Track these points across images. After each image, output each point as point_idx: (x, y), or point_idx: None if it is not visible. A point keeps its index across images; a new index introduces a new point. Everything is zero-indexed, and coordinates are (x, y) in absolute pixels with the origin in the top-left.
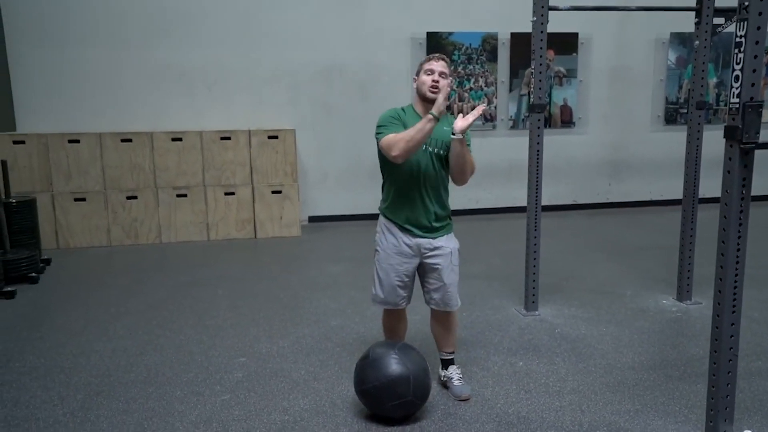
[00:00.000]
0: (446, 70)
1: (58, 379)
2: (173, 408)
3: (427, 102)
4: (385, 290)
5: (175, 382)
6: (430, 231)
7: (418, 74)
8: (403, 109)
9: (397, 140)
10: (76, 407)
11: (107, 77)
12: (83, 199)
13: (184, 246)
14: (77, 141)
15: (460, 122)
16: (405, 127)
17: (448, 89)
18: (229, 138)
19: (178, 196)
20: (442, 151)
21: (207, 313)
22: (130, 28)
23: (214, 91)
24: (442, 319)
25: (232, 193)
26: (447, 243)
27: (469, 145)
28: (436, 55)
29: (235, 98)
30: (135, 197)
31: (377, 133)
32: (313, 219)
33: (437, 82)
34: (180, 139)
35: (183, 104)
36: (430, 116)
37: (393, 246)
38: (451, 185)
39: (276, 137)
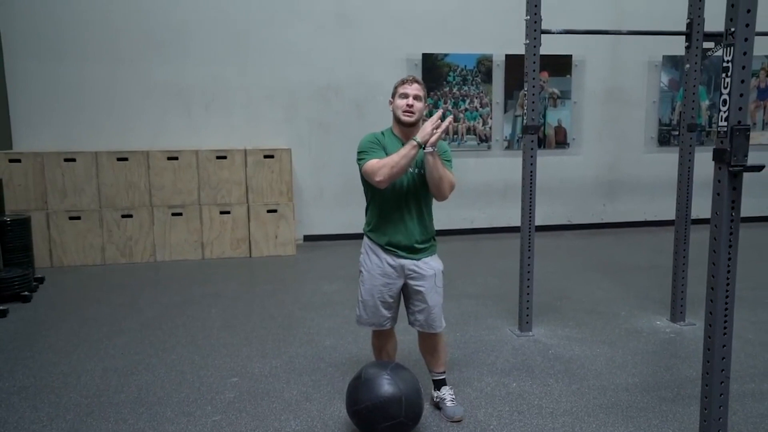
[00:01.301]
0: (420, 93)
1: (47, 399)
2: (164, 429)
3: (403, 125)
4: (369, 311)
5: (167, 402)
6: (414, 252)
7: (393, 97)
8: (382, 133)
9: (381, 166)
10: (65, 428)
11: (104, 95)
12: (78, 218)
13: (178, 264)
14: (73, 159)
15: (436, 132)
16: (385, 151)
17: (446, 125)
18: (225, 157)
19: (174, 214)
20: (422, 170)
21: (200, 332)
22: (127, 45)
23: (210, 109)
24: (428, 340)
25: (228, 212)
26: (431, 264)
27: (449, 161)
28: (410, 77)
29: (231, 117)
30: (130, 215)
31: (359, 159)
32: (308, 238)
33: (411, 106)
34: (176, 158)
35: (180, 122)
36: (413, 142)
37: (377, 267)
38: (436, 206)
39: (272, 156)
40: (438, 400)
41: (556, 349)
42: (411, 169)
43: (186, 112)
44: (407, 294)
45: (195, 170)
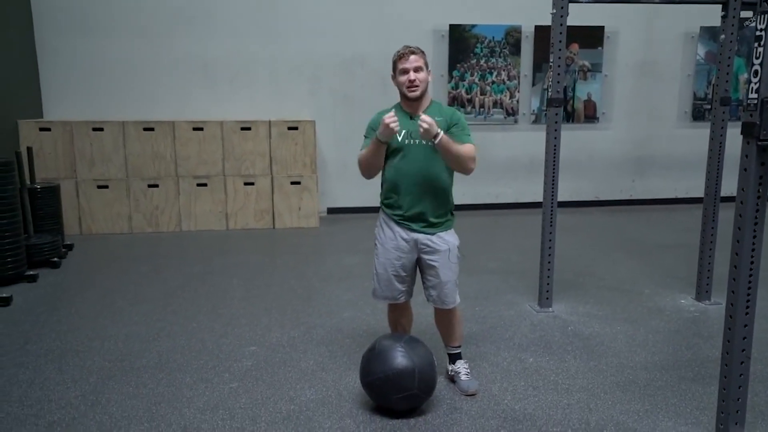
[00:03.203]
0: (420, 63)
1: (72, 362)
2: (182, 394)
3: (410, 100)
4: (383, 284)
5: (186, 368)
6: (428, 226)
7: (394, 72)
8: (393, 108)
9: (359, 162)
10: (88, 390)
11: (131, 66)
12: (106, 186)
13: (202, 235)
14: (101, 129)
15: (422, 130)
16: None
17: (424, 127)
18: (249, 128)
19: (198, 185)
20: (429, 141)
21: (221, 301)
22: (154, 18)
23: (235, 81)
24: (442, 314)
25: (252, 183)
26: (445, 239)
27: (464, 130)
28: (407, 50)
29: (256, 89)
30: (156, 185)
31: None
32: (331, 210)
33: (413, 81)
34: (201, 129)
35: (205, 94)
36: (376, 138)
37: (390, 240)
38: (460, 180)
39: (296, 128)
40: (453, 373)
41: (575, 325)
42: (423, 142)
43: (211, 84)
44: (421, 268)
45: (220, 141)
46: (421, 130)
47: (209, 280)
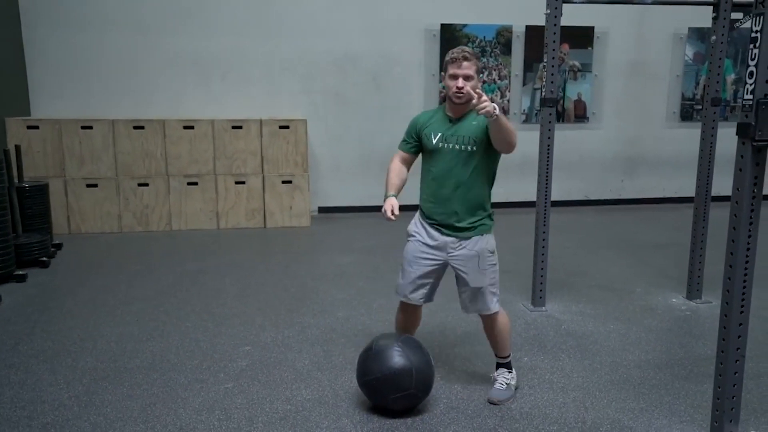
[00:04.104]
0: (471, 71)
1: (64, 362)
2: (177, 395)
3: (455, 104)
4: (406, 280)
5: (180, 368)
6: (458, 231)
7: (444, 72)
8: (436, 110)
9: (387, 168)
10: (81, 391)
11: (122, 64)
12: (95, 185)
13: (193, 234)
14: (90, 127)
15: (485, 106)
16: (423, 134)
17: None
18: (240, 127)
19: (189, 184)
20: (470, 147)
21: (214, 301)
22: (145, 14)
23: (227, 79)
24: (484, 322)
25: (243, 182)
26: (474, 245)
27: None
28: (459, 55)
29: (248, 87)
30: (146, 184)
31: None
32: (323, 210)
33: (461, 88)
34: (192, 127)
35: (196, 92)
36: (388, 197)
37: (419, 238)
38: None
39: (287, 127)
40: (492, 379)
41: (569, 324)
42: (457, 146)
43: (203, 82)
44: (455, 274)
45: (211, 140)
46: (483, 111)
47: (201, 280)
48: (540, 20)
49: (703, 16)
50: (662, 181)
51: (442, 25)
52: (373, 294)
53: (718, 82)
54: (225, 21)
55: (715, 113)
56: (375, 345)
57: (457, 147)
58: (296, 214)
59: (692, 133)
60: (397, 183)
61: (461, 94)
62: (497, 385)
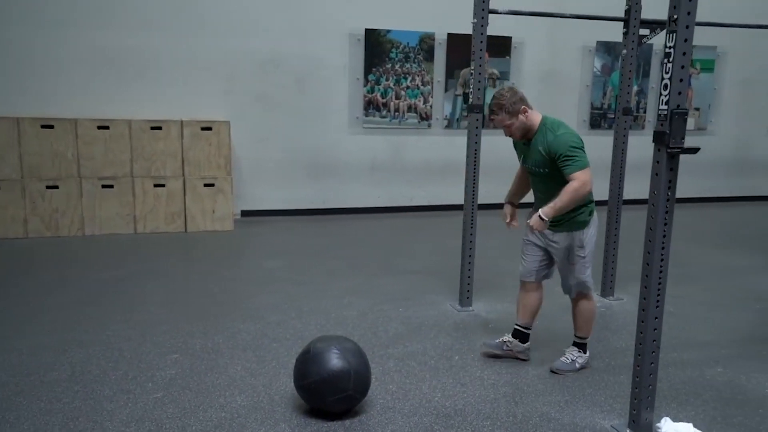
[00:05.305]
0: (503, 122)
1: None
2: (101, 407)
3: None
4: (525, 260)
5: (103, 380)
6: (551, 225)
7: None
8: None
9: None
10: None
11: (27, 58)
12: None
13: (109, 239)
14: None
15: (535, 224)
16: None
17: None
18: (160, 128)
19: (104, 186)
20: (539, 169)
21: (136, 308)
22: (56, 6)
23: (146, 78)
24: (572, 304)
25: (162, 185)
26: (564, 239)
27: (571, 161)
28: (493, 107)
29: (167, 86)
30: (56, 187)
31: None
32: (246, 213)
33: (506, 134)
34: (107, 127)
35: (111, 90)
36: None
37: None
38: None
39: (210, 128)
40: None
41: (495, 323)
42: (534, 168)
43: (119, 80)
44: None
45: (128, 141)
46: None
47: (121, 287)
48: (461, 28)
49: (609, 31)
50: None
51: (367, 30)
52: (303, 298)
53: (628, 93)
54: (144, 17)
55: (626, 122)
56: (312, 348)
57: (533, 168)
58: (219, 217)
59: (601, 140)
60: (511, 189)
61: (511, 135)
62: (563, 358)
